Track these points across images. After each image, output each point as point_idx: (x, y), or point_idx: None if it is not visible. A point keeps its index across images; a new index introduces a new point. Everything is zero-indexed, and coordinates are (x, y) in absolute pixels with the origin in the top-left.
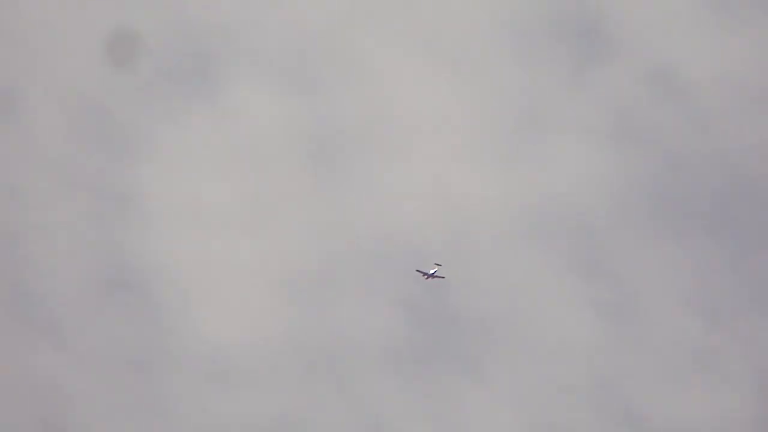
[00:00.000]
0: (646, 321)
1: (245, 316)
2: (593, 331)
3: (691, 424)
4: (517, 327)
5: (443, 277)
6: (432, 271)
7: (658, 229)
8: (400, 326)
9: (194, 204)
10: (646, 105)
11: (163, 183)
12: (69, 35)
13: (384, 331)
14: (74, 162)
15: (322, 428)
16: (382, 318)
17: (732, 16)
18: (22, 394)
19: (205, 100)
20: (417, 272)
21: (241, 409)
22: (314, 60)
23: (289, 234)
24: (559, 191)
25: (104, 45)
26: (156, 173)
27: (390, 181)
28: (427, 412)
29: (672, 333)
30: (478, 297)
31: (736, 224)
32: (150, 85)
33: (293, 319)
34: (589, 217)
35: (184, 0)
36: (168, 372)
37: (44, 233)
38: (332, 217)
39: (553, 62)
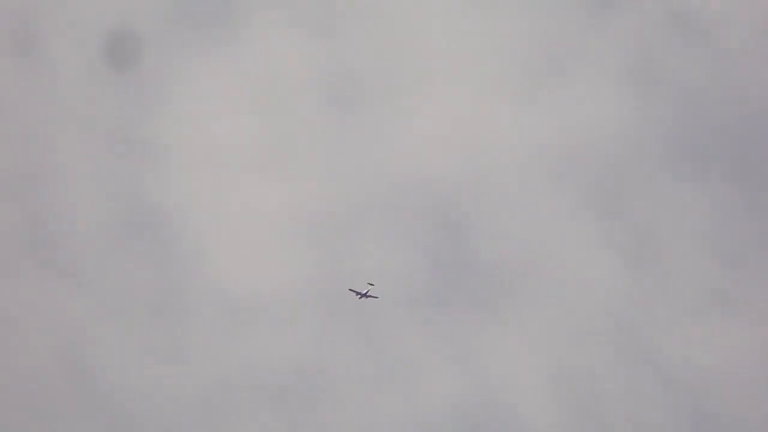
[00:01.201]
0: (666, 262)
1: (265, 260)
2: (613, 273)
3: (712, 365)
4: (538, 270)
5: (377, 297)
6: (365, 291)
7: (677, 170)
8: (421, 269)
9: (213, 147)
10: (665, 46)
11: (182, 126)
12: None
13: (404, 274)
14: (93, 105)
15: (342, 372)
16: (403, 261)
17: None
18: (42, 337)
19: (225, 42)
20: (350, 291)
21: (261, 354)
22: (335, 1)
23: (309, 177)
24: (579, 133)
25: None
26: (175, 116)
27: (410, 123)
28: (448, 355)
29: (692, 274)
30: (498, 240)
31: (756, 164)
32: (170, 27)
33: (313, 263)
34: (609, 158)
35: None
36: (187, 316)
37: (63, 177)
38: (353, 160)
39: (573, 2)
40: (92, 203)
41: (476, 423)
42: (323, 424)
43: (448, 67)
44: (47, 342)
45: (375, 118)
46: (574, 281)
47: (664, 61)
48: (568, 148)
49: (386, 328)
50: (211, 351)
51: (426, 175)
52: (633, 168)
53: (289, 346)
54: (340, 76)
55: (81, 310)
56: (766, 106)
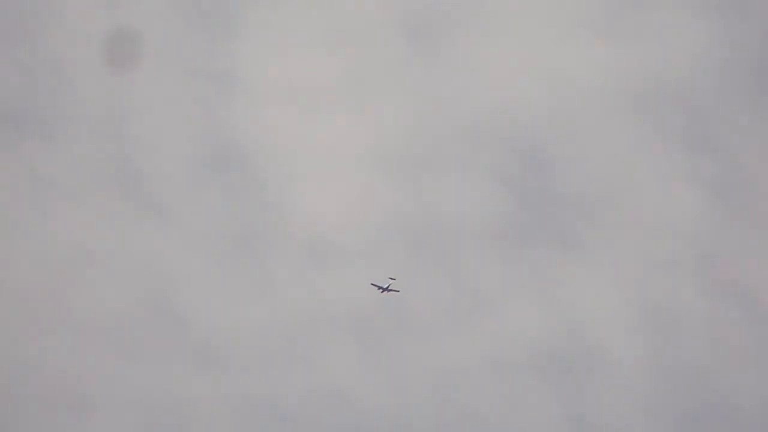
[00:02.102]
0: (750, 194)
1: (347, 194)
2: (697, 206)
3: None
4: (621, 202)
5: (398, 291)
6: (387, 285)
7: (761, 102)
8: (502, 203)
9: (296, 82)
10: None
11: (265, 61)
12: None
13: (486, 208)
14: (176, 41)
15: (424, 305)
16: (484, 195)
17: None
18: (128, 273)
19: None
20: (372, 285)
21: (343, 287)
22: None
23: (391, 111)
24: (664, 66)
25: None
26: (258, 52)
27: (493, 57)
28: (529, 288)
29: None
30: (581, 172)
31: None
32: None
33: (395, 197)
34: (694, 91)
35: None
36: (270, 250)
37: (148, 113)
38: (435, 94)
39: None
40: (178, 140)
41: (558, 357)
42: (405, 356)
43: (532, 2)
44: (134, 277)
45: (457, 52)
46: (659, 213)
47: None
48: (653, 80)
49: (467, 262)
50: (296, 284)
51: (507, 108)
52: (718, 100)
53: (373, 279)
54: (421, 11)
55: (167, 246)
56: None
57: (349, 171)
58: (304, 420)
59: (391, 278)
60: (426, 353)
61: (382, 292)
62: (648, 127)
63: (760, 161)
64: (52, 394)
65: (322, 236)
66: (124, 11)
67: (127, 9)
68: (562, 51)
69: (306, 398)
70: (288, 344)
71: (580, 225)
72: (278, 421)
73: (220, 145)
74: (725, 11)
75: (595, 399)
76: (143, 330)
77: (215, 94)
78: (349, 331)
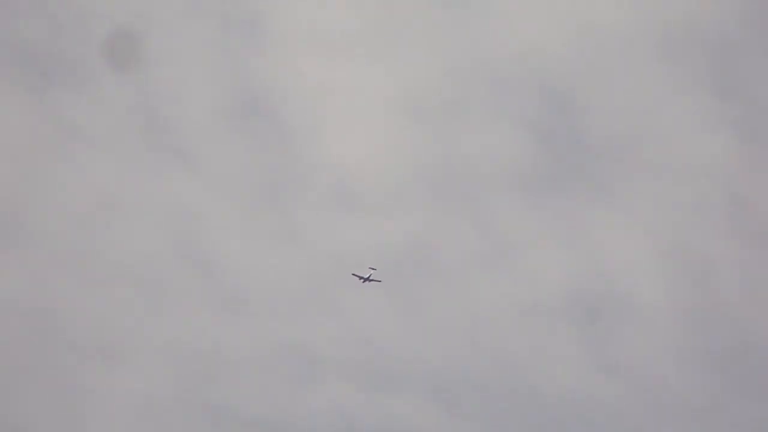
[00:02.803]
0: None
1: (373, 141)
2: (724, 149)
3: None
4: (648, 147)
5: (379, 281)
6: (368, 275)
7: None
8: (529, 149)
9: (323, 30)
10: None
11: (292, 9)
12: None
13: (513, 153)
14: None
15: (452, 252)
16: (511, 141)
17: None
18: (156, 220)
19: None
20: (353, 276)
21: (369, 234)
22: None
23: (417, 58)
24: (691, 9)
25: None
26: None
27: (519, 2)
28: (557, 234)
29: None
30: (608, 118)
31: None
32: None
33: (421, 144)
34: (720, 34)
35: None
36: (297, 197)
37: (174, 61)
38: (461, 40)
39: None
40: (204, 88)
41: (587, 302)
42: (433, 303)
43: None
44: (161, 225)
45: None
46: (687, 157)
47: None
48: (679, 23)
49: (495, 208)
50: (322, 231)
51: (534, 53)
52: (745, 43)
53: (397, 227)
54: None
55: (193, 194)
56: None
57: (375, 118)
58: (332, 366)
59: (372, 268)
60: (454, 299)
61: (363, 282)
62: (675, 71)
63: None
64: (82, 342)
65: (349, 183)
66: None
67: None
68: None
69: (334, 345)
70: (315, 291)
71: (607, 169)
72: (306, 367)
73: (247, 92)
74: None
75: (624, 343)
76: (171, 277)
77: (242, 42)
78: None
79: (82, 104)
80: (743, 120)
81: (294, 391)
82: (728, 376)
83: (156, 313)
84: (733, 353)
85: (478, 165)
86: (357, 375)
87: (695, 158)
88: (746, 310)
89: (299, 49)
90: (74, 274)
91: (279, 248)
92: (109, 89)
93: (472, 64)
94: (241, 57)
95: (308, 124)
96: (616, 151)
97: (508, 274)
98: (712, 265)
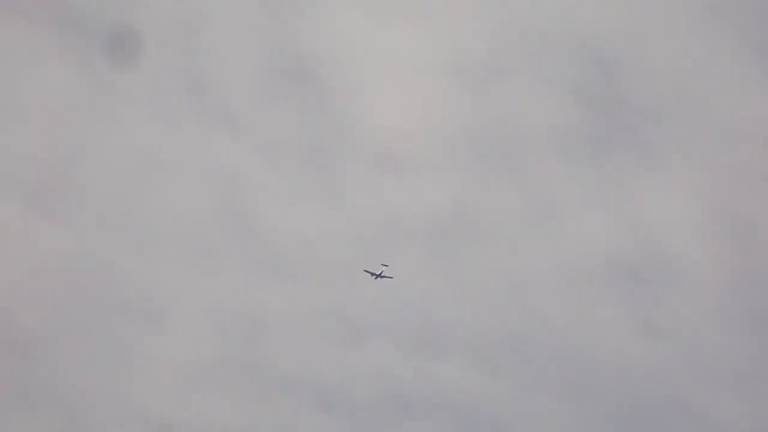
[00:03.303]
0: None
1: (417, 104)
2: None
3: None
4: (693, 109)
5: (391, 277)
6: (380, 272)
7: None
8: (573, 112)
9: None
10: None
11: None
12: None
13: (556, 116)
14: None
15: (493, 216)
16: (555, 104)
17: None
18: (201, 182)
19: None
20: (365, 272)
21: (413, 197)
22: None
23: (461, 21)
24: None
25: None
26: None
27: None
28: (601, 197)
29: None
30: (653, 80)
31: None
32: None
33: (465, 107)
34: None
35: None
36: (341, 160)
37: (220, 24)
38: (505, 2)
39: None
40: (249, 51)
41: (631, 265)
42: (476, 266)
43: None
44: (207, 187)
45: None
46: (732, 119)
47: None
48: None
49: (539, 171)
50: (367, 194)
51: (578, 15)
52: None
53: (441, 189)
54: None
55: (239, 156)
56: None
57: (420, 81)
58: (376, 330)
59: (384, 265)
60: (497, 263)
61: (375, 278)
62: (721, 31)
63: None
64: (128, 303)
65: (393, 146)
66: None
67: None
68: None
69: (378, 308)
70: (359, 253)
71: (652, 132)
72: (350, 330)
73: (292, 55)
74: None
75: (668, 306)
76: (216, 239)
77: (288, 5)
78: (420, 241)
79: (128, 67)
80: None
81: (338, 354)
82: None
83: (201, 274)
84: None
85: (521, 128)
86: (401, 338)
87: (741, 120)
88: None
89: (345, 13)
90: (120, 235)
91: (323, 211)
92: (154, 51)
93: (517, 28)
94: (286, 20)
95: (353, 87)
96: (661, 114)
97: (552, 238)
98: (756, 228)
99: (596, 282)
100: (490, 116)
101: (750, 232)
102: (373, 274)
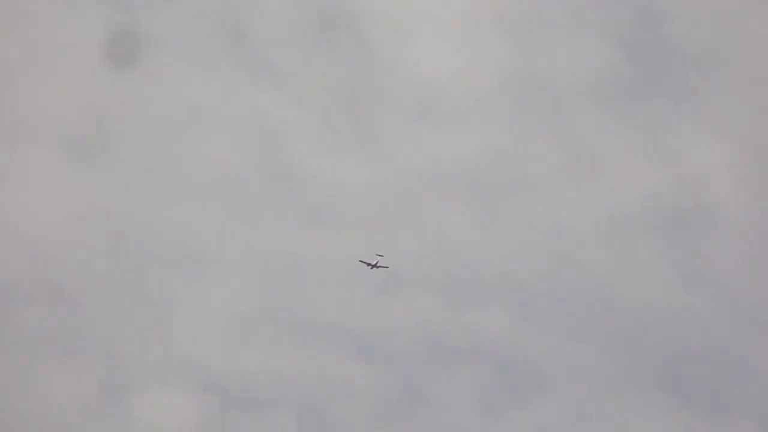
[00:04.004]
0: None
1: (456, 53)
2: None
3: None
4: (734, 54)
5: (387, 267)
6: (375, 262)
7: None
8: (613, 59)
9: None
10: None
11: None
12: None
13: (596, 63)
14: None
15: (533, 165)
16: (595, 50)
17: None
18: (240, 132)
19: None
20: (360, 263)
21: (452, 146)
22: None
23: None
24: None
25: None
26: None
27: None
28: (641, 144)
29: None
30: (693, 25)
31: None
32: None
33: (504, 55)
34: None
35: None
36: (380, 110)
37: None
38: None
39: None
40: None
41: (671, 213)
42: (517, 215)
43: None
44: (245, 137)
45: None
46: None
47: None
48: None
49: (579, 119)
50: (406, 144)
51: None
52: None
53: (480, 138)
54: None
55: (277, 106)
56: None
57: (459, 29)
58: (415, 280)
59: (379, 255)
60: (536, 212)
61: (371, 268)
62: None
63: None
64: (167, 253)
65: (431, 95)
66: None
67: None
68: None
69: (417, 258)
70: (399, 204)
71: (693, 78)
72: (389, 281)
73: (331, 5)
74: None
75: (709, 255)
76: (254, 189)
77: None
78: (459, 191)
79: (164, 15)
80: None
81: (377, 305)
82: None
83: (241, 225)
84: None
85: (561, 76)
86: (440, 289)
87: None
88: None
89: None
90: (160, 185)
91: (362, 161)
92: (194, 1)
93: None
94: None
95: (391, 35)
96: (704, 60)
97: (592, 186)
98: None
99: (636, 230)
100: (530, 64)
101: None
102: (368, 264)
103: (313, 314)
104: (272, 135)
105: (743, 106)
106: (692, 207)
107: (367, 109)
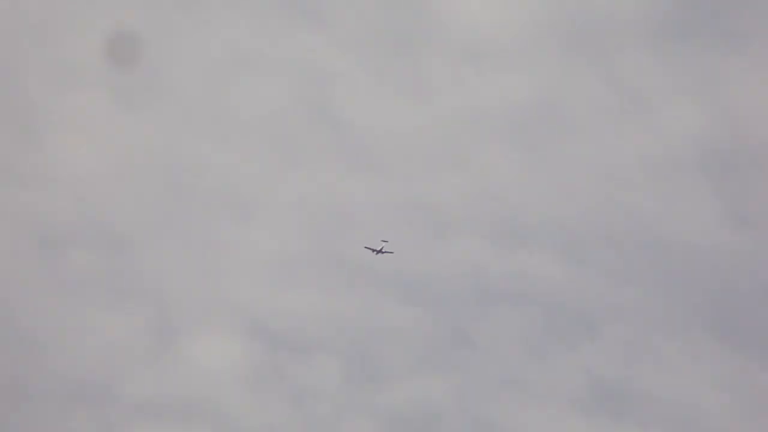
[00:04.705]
0: None
1: None
2: None
3: None
4: None
5: (392, 252)
6: (380, 248)
7: None
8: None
9: None
10: None
11: None
12: None
13: (644, 4)
14: None
15: (580, 105)
16: None
17: None
18: (287, 76)
19: None
20: (366, 249)
21: (499, 89)
22: None
23: None
24: None
25: None
26: None
27: None
28: (690, 85)
29: None
30: None
31: None
32: None
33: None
34: None
35: None
36: (427, 54)
37: None
38: None
39: None
40: None
41: (720, 154)
42: (563, 157)
43: None
44: (292, 81)
45: None
46: None
47: None
48: None
49: (627, 60)
50: (453, 87)
51: None
52: None
53: (530, 81)
54: None
55: (324, 50)
56: None
57: None
58: (462, 223)
59: (384, 241)
60: (584, 154)
61: (376, 254)
62: None
63: None
64: (216, 197)
65: (479, 39)
66: None
67: None
68: None
69: (465, 201)
70: (446, 147)
71: (743, 17)
72: (437, 224)
73: None
74: None
75: (757, 195)
76: (302, 133)
77: None
78: (506, 134)
79: None
80: None
81: (425, 248)
82: None
83: (288, 168)
84: None
85: (609, 18)
86: (488, 231)
87: None
88: None
89: None
90: (208, 130)
91: (409, 104)
92: None
93: None
94: None
95: None
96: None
97: (640, 128)
98: None
99: (684, 171)
100: (578, 6)
101: None
102: (373, 250)
103: (360, 257)
104: (320, 79)
105: None
106: (740, 147)
107: (415, 52)
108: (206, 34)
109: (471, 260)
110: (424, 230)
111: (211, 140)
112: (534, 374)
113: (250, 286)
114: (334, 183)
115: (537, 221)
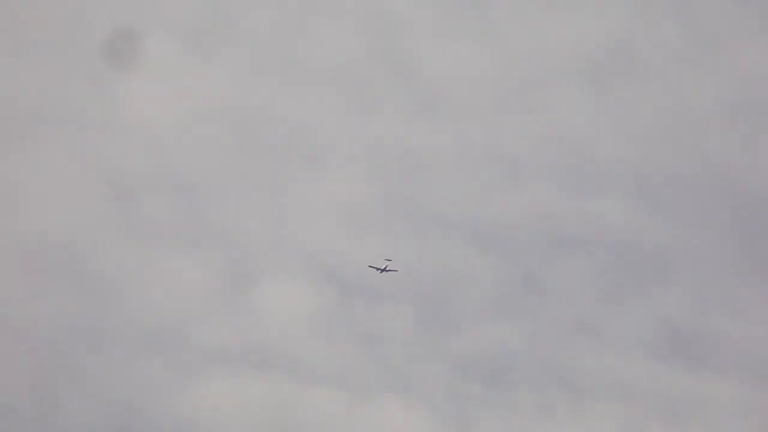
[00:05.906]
0: None
1: None
2: None
3: None
4: None
5: (396, 271)
6: (384, 266)
7: None
8: None
9: None
10: None
11: None
12: None
13: None
14: None
15: (653, 49)
16: None
17: None
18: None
19: None
20: (370, 268)
21: (571, 33)
22: None
23: None
24: None
25: None
26: None
27: None
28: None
29: None
30: None
31: None
32: None
33: None
34: None
35: None
36: None
37: None
38: None
39: None
40: None
41: None
42: (637, 102)
43: None
44: (361, 28)
45: None
46: None
47: None
48: None
49: (700, 2)
50: (522, 31)
51: None
52: None
53: (602, 24)
54: None
55: None
56: None
57: None
58: (533, 167)
59: (388, 260)
60: (657, 98)
61: (380, 272)
62: None
63: None
64: (287, 144)
65: None
66: None
67: None
68: None
69: (536, 146)
70: (515, 92)
71: None
72: (508, 169)
73: None
74: None
75: None
76: (371, 80)
77: None
78: (578, 78)
79: None
80: None
81: (496, 193)
82: None
83: (358, 115)
84: None
85: None
86: (559, 177)
87: None
88: None
89: None
90: (278, 77)
91: (479, 49)
92: None
93: None
94: None
95: None
96: None
97: (715, 72)
98: None
99: (760, 115)
100: None
101: None
102: (377, 269)
103: (430, 203)
104: (388, 24)
105: None
106: None
107: None
108: None
109: (542, 205)
110: (494, 176)
111: (282, 87)
112: (606, 320)
113: (322, 233)
114: (403, 128)
115: (609, 166)
